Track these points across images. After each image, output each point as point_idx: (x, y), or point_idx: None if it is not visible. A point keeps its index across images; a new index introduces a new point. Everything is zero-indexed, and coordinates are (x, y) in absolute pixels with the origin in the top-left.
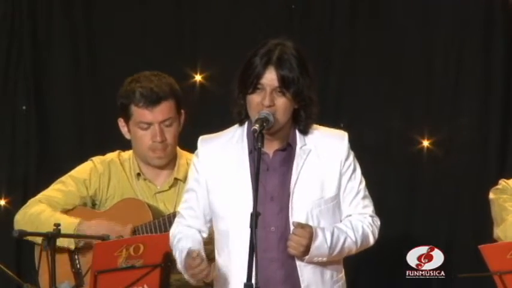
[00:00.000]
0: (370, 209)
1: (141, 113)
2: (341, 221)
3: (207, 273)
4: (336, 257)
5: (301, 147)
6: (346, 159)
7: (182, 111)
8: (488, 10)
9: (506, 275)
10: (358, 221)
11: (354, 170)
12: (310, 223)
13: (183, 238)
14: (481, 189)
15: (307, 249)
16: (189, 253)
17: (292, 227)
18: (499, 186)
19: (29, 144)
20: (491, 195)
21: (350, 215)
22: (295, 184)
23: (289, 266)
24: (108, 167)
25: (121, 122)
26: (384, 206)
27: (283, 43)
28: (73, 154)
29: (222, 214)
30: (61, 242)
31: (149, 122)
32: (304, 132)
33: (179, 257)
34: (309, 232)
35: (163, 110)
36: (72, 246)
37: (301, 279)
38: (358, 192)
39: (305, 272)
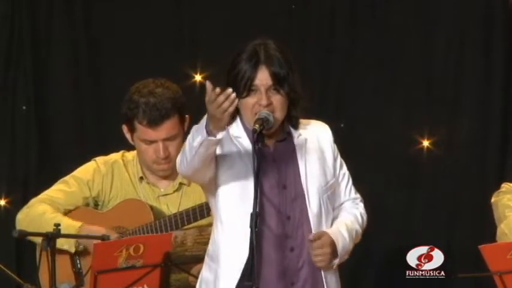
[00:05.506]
0: (358, 194)
1: (144, 131)
2: (334, 208)
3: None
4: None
5: (298, 137)
6: (334, 144)
7: (186, 116)
8: (488, 10)
9: (506, 275)
10: (354, 209)
11: (339, 155)
12: (323, 209)
13: None
14: (481, 189)
15: (334, 254)
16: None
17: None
18: (502, 189)
19: (29, 144)
20: (493, 199)
21: (343, 202)
22: (305, 172)
23: (306, 253)
24: (111, 168)
25: (125, 129)
26: (384, 206)
27: (265, 42)
28: (73, 154)
29: (228, 212)
30: (61, 244)
31: (153, 140)
32: (295, 126)
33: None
34: (328, 238)
35: (166, 128)
36: (72, 250)
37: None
38: (348, 178)
39: None
